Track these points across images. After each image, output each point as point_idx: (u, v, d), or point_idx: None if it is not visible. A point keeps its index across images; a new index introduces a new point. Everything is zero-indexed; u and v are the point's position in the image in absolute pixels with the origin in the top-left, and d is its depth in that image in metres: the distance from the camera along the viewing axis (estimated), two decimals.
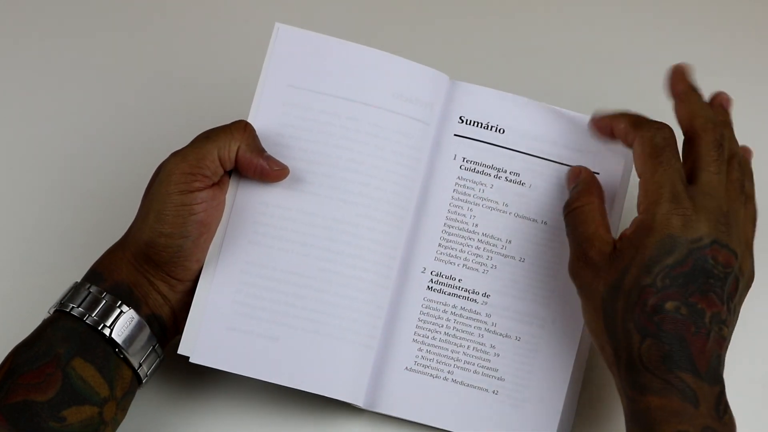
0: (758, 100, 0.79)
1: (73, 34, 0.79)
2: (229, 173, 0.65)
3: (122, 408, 0.62)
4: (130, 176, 0.73)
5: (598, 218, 0.61)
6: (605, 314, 0.59)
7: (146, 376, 0.63)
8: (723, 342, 0.58)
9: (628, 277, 0.58)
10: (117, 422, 0.62)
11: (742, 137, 0.77)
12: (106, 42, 0.79)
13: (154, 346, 0.63)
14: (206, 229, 0.63)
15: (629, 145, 0.62)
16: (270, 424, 0.67)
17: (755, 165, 0.77)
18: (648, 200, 0.59)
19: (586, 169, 0.65)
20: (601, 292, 0.59)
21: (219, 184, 0.64)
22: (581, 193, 0.63)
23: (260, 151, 0.64)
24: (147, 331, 0.62)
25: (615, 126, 0.63)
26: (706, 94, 0.79)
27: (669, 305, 0.57)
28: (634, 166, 0.62)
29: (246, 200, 0.64)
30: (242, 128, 0.63)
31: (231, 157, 0.63)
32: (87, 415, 0.60)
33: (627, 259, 0.58)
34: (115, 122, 0.76)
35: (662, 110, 0.78)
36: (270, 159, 0.64)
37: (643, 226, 0.58)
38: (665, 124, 0.61)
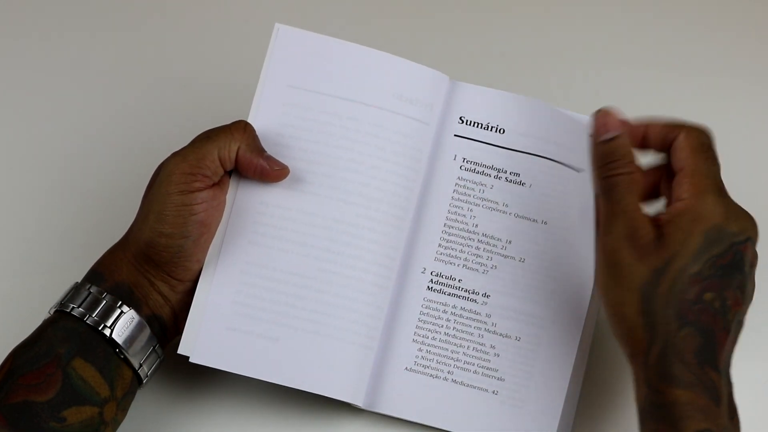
0: (758, 100, 0.79)
1: (73, 35, 0.79)
2: (229, 173, 0.64)
3: (122, 408, 0.62)
4: (130, 176, 0.73)
5: (642, 193, 0.60)
6: (644, 297, 0.57)
7: (146, 376, 0.63)
8: (735, 342, 0.59)
9: (676, 263, 0.57)
10: (117, 422, 0.62)
11: (742, 137, 0.77)
12: (107, 42, 0.79)
13: (154, 347, 0.63)
14: (207, 229, 0.63)
15: (669, 142, 0.60)
16: (270, 425, 0.67)
17: (755, 165, 0.76)
18: (695, 189, 0.58)
19: (627, 123, 0.61)
20: (643, 275, 0.57)
21: (219, 185, 0.63)
22: (627, 156, 0.59)
23: (260, 151, 0.63)
24: (147, 331, 0.62)
25: (651, 127, 0.61)
26: (706, 93, 0.79)
27: (707, 296, 0.57)
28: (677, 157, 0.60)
29: (246, 200, 0.64)
30: (242, 128, 0.63)
31: (231, 157, 0.63)
32: (87, 415, 0.59)
33: (676, 245, 0.57)
34: (116, 122, 0.76)
35: (661, 108, 0.78)
36: (270, 159, 0.63)
37: (692, 213, 0.58)
38: (707, 129, 0.61)
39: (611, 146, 0.59)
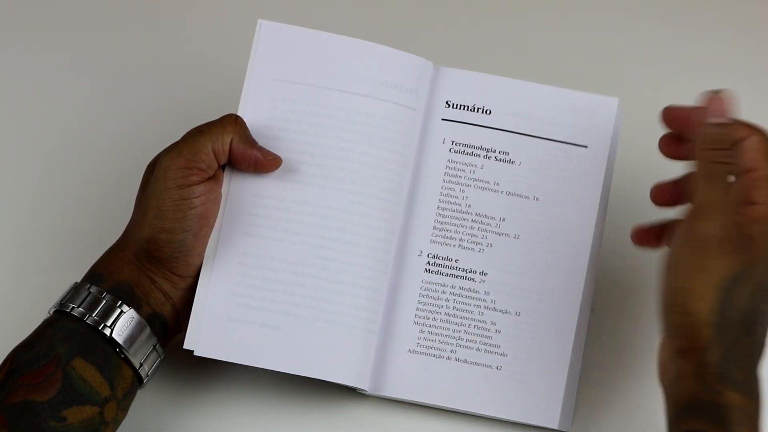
0: (758, 100, 0.77)
1: (63, 34, 0.78)
2: (222, 167, 0.64)
3: (123, 408, 0.61)
4: (127, 175, 0.72)
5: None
6: (721, 297, 0.54)
7: (147, 376, 0.62)
8: None
9: (757, 271, 0.55)
10: (118, 422, 0.61)
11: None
12: (97, 41, 0.78)
13: (154, 346, 0.62)
14: (206, 223, 0.62)
15: (738, 139, 0.57)
16: (274, 417, 0.66)
17: None
18: None
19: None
20: (724, 274, 0.54)
21: (214, 178, 0.63)
22: (731, 149, 0.56)
23: (252, 142, 0.63)
24: (147, 330, 0.61)
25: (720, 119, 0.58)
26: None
27: (764, 307, 0.55)
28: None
29: (239, 193, 0.64)
30: (233, 121, 0.63)
31: (225, 150, 0.62)
32: (88, 415, 0.58)
33: (760, 252, 0.55)
34: (110, 121, 0.75)
35: (658, 106, 0.77)
36: (263, 149, 0.63)
37: None
38: None
39: (723, 133, 0.57)
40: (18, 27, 0.79)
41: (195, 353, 0.62)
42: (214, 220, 0.63)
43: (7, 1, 0.80)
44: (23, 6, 0.80)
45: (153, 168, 0.63)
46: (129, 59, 0.78)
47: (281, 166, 0.64)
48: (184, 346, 0.62)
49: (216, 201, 0.63)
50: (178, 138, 0.63)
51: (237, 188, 0.64)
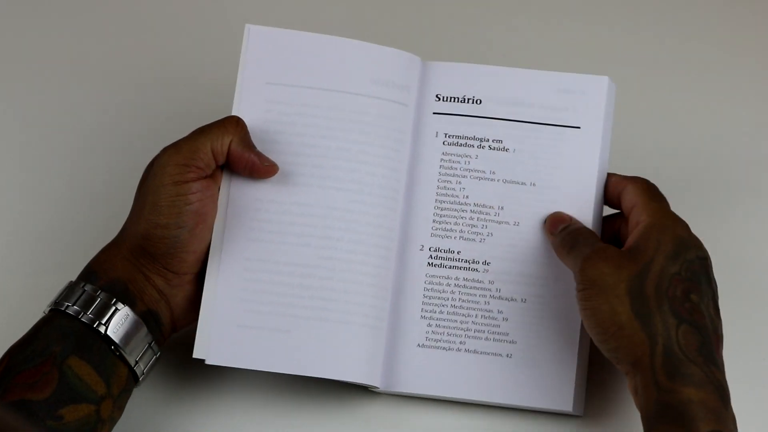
0: (758, 100, 0.78)
1: (62, 35, 0.78)
2: (221, 168, 0.63)
3: (119, 406, 0.59)
4: (126, 175, 0.70)
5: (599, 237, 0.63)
6: (634, 300, 0.57)
7: (143, 373, 0.60)
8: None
9: (655, 266, 0.57)
10: (114, 420, 0.59)
11: (742, 136, 0.76)
12: (88, 46, 0.78)
13: (150, 344, 0.60)
14: (201, 219, 0.61)
15: (618, 194, 0.64)
16: (286, 420, 0.63)
17: (755, 166, 0.75)
18: (652, 212, 0.60)
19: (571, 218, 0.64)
20: (625, 280, 0.57)
21: (212, 177, 0.62)
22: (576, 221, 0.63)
23: (251, 146, 0.63)
24: (143, 328, 0.60)
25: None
26: (705, 92, 0.77)
27: (694, 297, 0.57)
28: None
29: (240, 199, 0.63)
30: (235, 123, 0.63)
31: (224, 150, 0.62)
32: (84, 413, 0.56)
33: (650, 250, 0.58)
34: (110, 123, 0.74)
35: (643, 100, 0.77)
36: (260, 154, 0.63)
37: (658, 226, 0.59)
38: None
39: (561, 235, 0.63)
40: (17, 30, 0.78)
41: (206, 362, 0.61)
42: (211, 218, 0.62)
43: (6, 4, 0.79)
44: (23, 10, 0.79)
45: (153, 165, 0.62)
46: (123, 64, 0.77)
47: (280, 170, 0.63)
48: (194, 355, 0.60)
49: (212, 199, 0.62)
50: (173, 140, 0.62)
51: (237, 193, 0.63)
